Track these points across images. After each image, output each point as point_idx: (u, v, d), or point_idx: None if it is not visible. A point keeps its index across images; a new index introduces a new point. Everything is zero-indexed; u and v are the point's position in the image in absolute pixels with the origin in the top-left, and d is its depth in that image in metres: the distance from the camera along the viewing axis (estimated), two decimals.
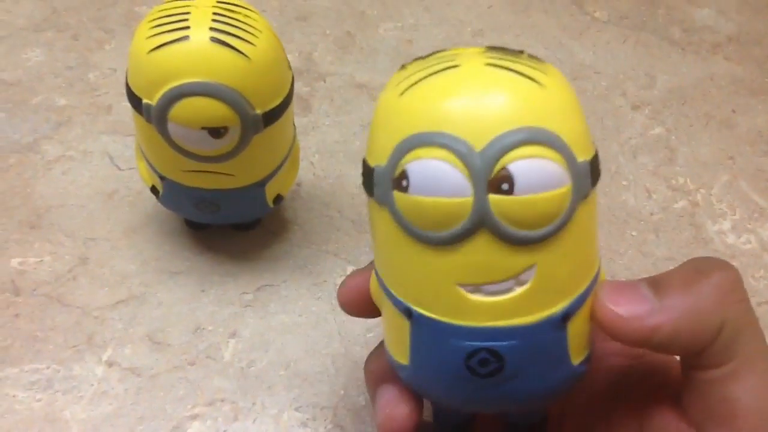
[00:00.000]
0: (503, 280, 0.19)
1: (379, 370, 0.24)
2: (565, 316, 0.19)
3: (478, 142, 0.18)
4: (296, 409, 0.31)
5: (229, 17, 0.28)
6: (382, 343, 0.25)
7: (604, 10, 0.53)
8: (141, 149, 0.32)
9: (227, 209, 0.33)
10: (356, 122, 0.43)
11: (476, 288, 0.19)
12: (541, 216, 0.18)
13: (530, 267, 0.19)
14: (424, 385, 0.22)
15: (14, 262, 0.35)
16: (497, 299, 0.19)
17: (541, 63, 0.19)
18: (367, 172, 0.20)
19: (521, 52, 0.19)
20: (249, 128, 0.29)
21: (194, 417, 0.30)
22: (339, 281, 0.35)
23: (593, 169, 0.19)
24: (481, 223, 0.18)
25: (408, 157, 0.18)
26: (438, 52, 0.20)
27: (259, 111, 0.29)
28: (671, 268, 0.37)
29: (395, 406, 0.22)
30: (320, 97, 0.44)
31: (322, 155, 0.41)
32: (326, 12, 0.50)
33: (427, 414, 0.25)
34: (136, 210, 0.37)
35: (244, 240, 0.36)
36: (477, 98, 0.18)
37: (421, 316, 0.20)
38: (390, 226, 0.19)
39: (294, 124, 0.34)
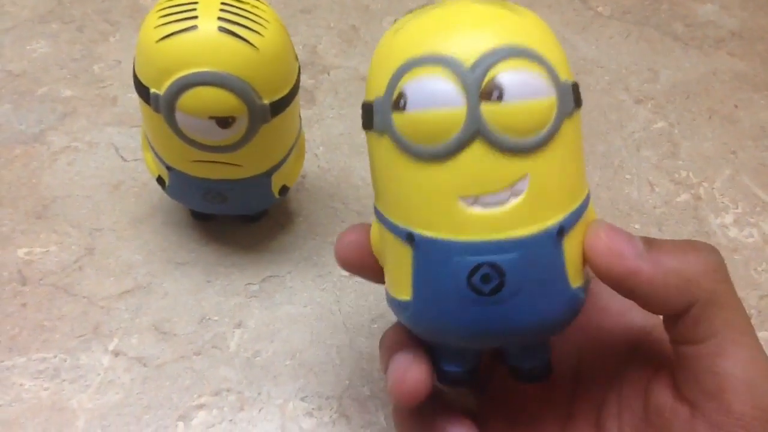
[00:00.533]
0: (499, 191, 0.20)
1: (393, 341, 0.24)
2: (560, 230, 0.20)
3: (469, 58, 0.19)
4: (302, 399, 0.31)
5: (237, 7, 0.28)
6: (396, 322, 0.25)
7: (607, 5, 0.53)
8: (148, 140, 0.32)
9: (234, 200, 0.33)
10: (360, 115, 0.43)
11: (475, 200, 0.20)
12: (530, 123, 0.19)
13: (524, 177, 0.20)
14: (427, 318, 0.22)
15: (21, 252, 0.35)
16: (495, 211, 0.20)
17: (523, 8, 0.21)
18: (367, 108, 0.21)
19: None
20: (256, 118, 0.29)
21: (200, 406, 0.31)
22: (343, 272, 0.35)
23: (575, 93, 0.21)
24: (475, 132, 0.19)
25: (404, 78, 0.20)
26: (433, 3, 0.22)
27: (266, 101, 0.29)
28: None
29: (406, 370, 0.22)
30: (325, 89, 0.44)
31: (327, 147, 0.41)
32: (330, 5, 0.50)
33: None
34: (142, 201, 0.37)
35: (249, 231, 0.37)
36: (465, 24, 0.20)
37: (422, 238, 0.21)
38: (390, 151, 0.21)
39: (300, 116, 0.34)
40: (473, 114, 0.19)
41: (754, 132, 0.44)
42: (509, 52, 0.19)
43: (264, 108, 0.29)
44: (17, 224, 0.36)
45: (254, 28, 0.28)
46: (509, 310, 0.21)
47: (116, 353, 0.32)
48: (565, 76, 0.21)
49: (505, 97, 0.19)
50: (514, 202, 0.20)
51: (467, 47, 0.19)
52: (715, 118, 0.45)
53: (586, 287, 0.22)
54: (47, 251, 0.35)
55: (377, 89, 0.21)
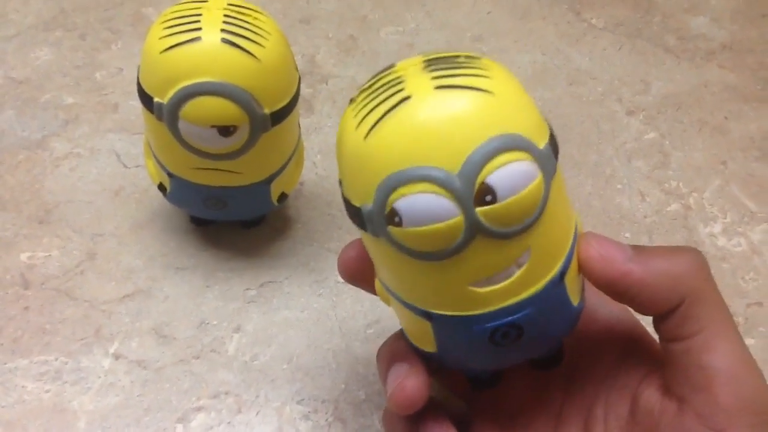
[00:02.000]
0: (505, 269, 0.21)
1: (392, 351, 0.25)
2: (561, 274, 0.22)
3: (453, 166, 0.19)
4: (298, 402, 0.32)
5: (239, 19, 0.29)
6: (394, 335, 0.26)
7: (600, 17, 0.54)
8: (150, 147, 0.33)
9: (233, 206, 0.34)
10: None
11: (484, 283, 0.21)
12: (525, 210, 0.20)
13: (525, 250, 0.21)
14: (454, 363, 0.25)
15: (23, 256, 0.35)
16: (505, 284, 0.21)
17: (481, 63, 0.21)
18: (355, 211, 0.21)
19: (458, 56, 0.21)
20: (257, 127, 0.29)
21: (199, 409, 0.31)
22: (340, 279, 0.36)
23: (553, 147, 0.21)
24: (475, 232, 0.20)
25: (393, 196, 0.20)
26: (379, 75, 0.21)
27: (267, 110, 0.29)
28: None
29: (406, 377, 0.24)
30: (323, 98, 0.45)
31: (325, 155, 0.42)
32: (329, 15, 0.50)
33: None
34: (143, 207, 0.38)
35: (248, 237, 0.37)
36: (439, 126, 0.19)
37: (440, 316, 0.22)
38: (390, 251, 0.21)
39: (299, 124, 0.34)
40: (470, 220, 0.20)
41: (743, 143, 0.45)
42: (491, 149, 0.19)
43: (265, 117, 0.29)
44: (20, 229, 0.36)
45: (256, 40, 0.29)
46: (529, 347, 0.23)
47: (117, 356, 0.32)
48: (542, 139, 0.21)
49: (498, 197, 0.19)
50: (521, 271, 0.21)
51: (449, 153, 0.19)
52: (706, 129, 0.46)
53: (583, 296, 0.24)
54: (49, 255, 0.36)
55: (362, 197, 0.21)
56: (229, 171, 0.31)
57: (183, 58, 0.28)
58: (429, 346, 0.24)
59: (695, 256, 0.23)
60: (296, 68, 0.32)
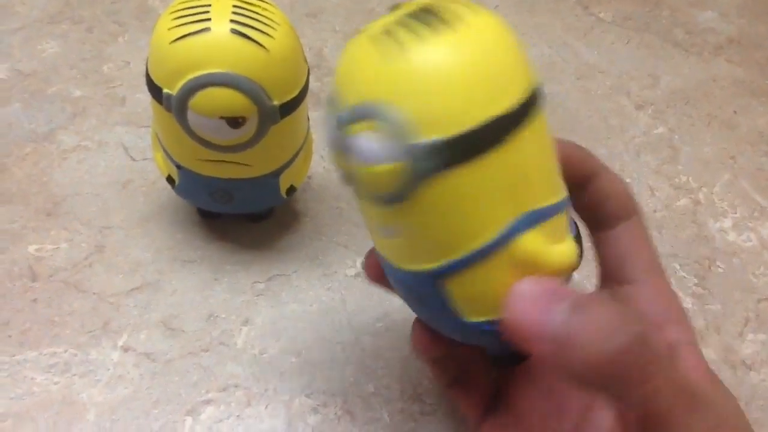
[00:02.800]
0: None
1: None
2: (436, 276, 0.21)
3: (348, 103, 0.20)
4: (307, 396, 0.32)
5: (248, 10, 0.28)
6: None
7: (608, 11, 0.54)
8: (158, 139, 0.33)
9: (241, 199, 0.33)
10: None
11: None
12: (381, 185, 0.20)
13: (394, 224, 0.21)
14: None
15: (31, 248, 0.35)
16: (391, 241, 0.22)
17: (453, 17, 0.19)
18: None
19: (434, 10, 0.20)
20: (266, 119, 0.29)
21: (208, 402, 0.31)
22: (349, 272, 0.36)
23: (452, 148, 0.19)
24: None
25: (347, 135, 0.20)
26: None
27: (276, 102, 0.29)
28: (674, 264, 0.38)
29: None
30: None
31: None
32: (336, 9, 0.50)
33: None
34: (150, 200, 0.38)
35: (255, 230, 0.37)
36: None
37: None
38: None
39: (308, 117, 0.34)
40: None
41: (752, 137, 0.45)
42: (358, 113, 0.19)
43: (274, 109, 0.29)
44: (28, 221, 0.36)
45: (265, 31, 0.28)
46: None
47: (125, 349, 0.32)
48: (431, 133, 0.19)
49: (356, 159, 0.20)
50: (396, 240, 0.21)
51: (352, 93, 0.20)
52: (714, 123, 0.46)
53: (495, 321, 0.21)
54: (57, 248, 0.36)
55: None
56: (238, 163, 0.31)
57: (192, 49, 0.28)
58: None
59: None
60: (305, 60, 0.32)
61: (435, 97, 0.19)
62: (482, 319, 0.21)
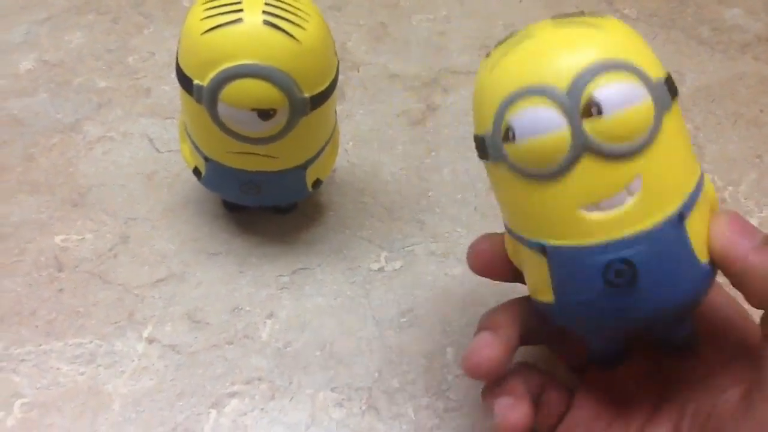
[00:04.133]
0: (615, 194, 0.21)
1: (486, 321, 0.26)
2: (681, 215, 0.22)
3: (563, 82, 0.21)
4: (332, 390, 0.31)
5: (280, 1, 0.28)
6: (503, 305, 0.27)
7: (633, 7, 0.53)
8: (186, 131, 0.33)
9: (268, 191, 0.33)
10: (390, 111, 0.43)
11: (594, 206, 0.21)
12: (632, 129, 0.21)
13: (636, 177, 0.21)
14: (572, 315, 0.24)
15: (57, 239, 0.35)
16: (615, 212, 0.21)
17: (601, 16, 0.22)
18: (479, 142, 0.23)
19: (582, 12, 0.23)
20: (297, 111, 0.29)
21: (232, 394, 0.31)
22: (373, 266, 0.36)
23: (669, 85, 0.22)
24: (582, 148, 0.21)
25: (509, 112, 0.21)
26: (514, 32, 0.23)
27: (307, 94, 0.29)
28: None
29: (483, 347, 0.25)
30: (354, 85, 0.45)
31: (357, 143, 0.41)
32: (360, 2, 0.50)
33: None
34: (175, 191, 0.38)
35: (280, 223, 0.37)
36: (553, 51, 0.21)
37: (553, 248, 0.22)
38: (508, 177, 0.22)
39: (336, 110, 0.34)
40: (577, 133, 0.21)
41: None
42: (599, 67, 0.21)
43: (304, 101, 0.29)
44: (54, 211, 0.36)
45: (297, 22, 0.28)
46: (647, 297, 0.22)
47: (150, 340, 0.32)
48: (657, 74, 0.22)
49: (604, 111, 0.20)
50: (631, 201, 0.21)
51: (560, 72, 0.21)
52: (741, 122, 0.46)
53: (713, 262, 0.23)
54: (83, 238, 0.36)
55: (485, 124, 0.23)
56: (266, 155, 0.31)
57: (224, 40, 0.28)
58: (547, 293, 0.24)
59: None
60: (335, 52, 0.32)
61: (643, 46, 0.22)
62: (706, 258, 0.22)
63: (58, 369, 0.31)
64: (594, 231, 0.21)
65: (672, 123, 0.22)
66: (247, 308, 0.34)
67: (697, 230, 0.22)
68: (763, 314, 0.23)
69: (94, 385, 0.31)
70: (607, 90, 0.20)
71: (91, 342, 0.32)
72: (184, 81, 0.29)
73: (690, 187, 0.22)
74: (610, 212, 0.21)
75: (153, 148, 0.40)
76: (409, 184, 0.39)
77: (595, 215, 0.21)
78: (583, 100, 0.20)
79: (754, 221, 0.40)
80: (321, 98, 0.30)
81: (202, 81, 0.28)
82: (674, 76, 0.50)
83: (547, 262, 0.23)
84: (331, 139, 0.34)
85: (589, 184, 0.21)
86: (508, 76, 0.22)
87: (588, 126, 0.20)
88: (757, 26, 0.53)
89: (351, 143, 0.41)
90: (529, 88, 0.21)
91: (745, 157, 0.43)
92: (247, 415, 0.31)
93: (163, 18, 0.47)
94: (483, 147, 0.23)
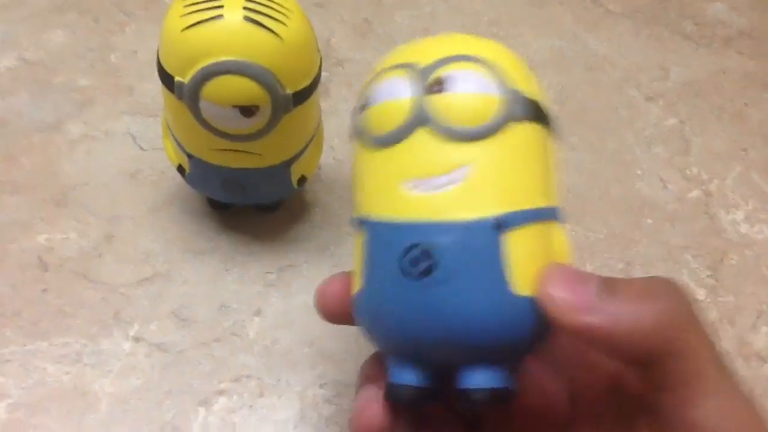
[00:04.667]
0: (439, 175, 0.21)
1: (368, 371, 0.24)
2: (498, 224, 0.20)
3: (425, 62, 0.22)
4: (320, 386, 0.31)
5: None
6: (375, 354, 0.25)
7: (617, 2, 0.53)
8: (169, 128, 0.33)
9: (252, 189, 0.33)
10: None
11: (416, 184, 0.21)
12: (471, 113, 0.21)
13: (465, 164, 0.21)
14: (369, 308, 0.22)
15: (41, 238, 0.35)
16: (433, 194, 0.21)
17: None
18: (352, 126, 0.24)
19: None
20: (279, 108, 0.29)
21: (221, 392, 0.31)
22: None
23: (535, 108, 0.22)
24: (420, 119, 0.21)
25: (372, 83, 0.23)
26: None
27: (289, 91, 0.29)
28: (686, 255, 0.38)
29: (366, 405, 0.22)
30: (338, 82, 0.45)
31: (342, 139, 0.41)
32: None
33: None
34: (160, 189, 0.38)
35: (266, 221, 0.37)
36: (438, 42, 0.23)
37: (369, 222, 0.22)
38: (357, 149, 0.23)
39: (320, 106, 0.34)
40: (419, 103, 0.21)
41: (763, 130, 0.45)
42: (462, 58, 0.21)
43: (287, 98, 0.29)
44: (36, 211, 0.36)
45: (279, 18, 0.28)
46: (442, 298, 0.20)
47: (137, 339, 0.32)
48: (525, 88, 0.22)
49: (448, 88, 0.21)
50: (452, 188, 0.20)
51: (428, 56, 0.22)
52: (725, 116, 0.46)
53: (536, 304, 0.21)
54: (67, 238, 0.35)
55: (358, 101, 0.24)
56: (250, 152, 0.31)
57: (204, 37, 0.27)
58: (359, 281, 0.22)
59: (671, 300, 0.20)
60: (318, 49, 0.31)
61: (522, 69, 0.23)
62: (527, 292, 0.20)
63: (44, 369, 0.31)
64: (407, 209, 0.21)
65: (522, 137, 0.21)
66: (234, 306, 0.34)
67: (519, 256, 0.20)
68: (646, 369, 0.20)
69: (81, 385, 0.31)
70: (455, 72, 0.21)
71: (77, 341, 0.32)
72: (166, 78, 0.29)
73: (522, 205, 0.21)
74: (428, 193, 0.20)
75: (136, 146, 0.39)
76: None
77: (414, 193, 0.21)
78: (434, 76, 0.21)
79: (740, 214, 0.40)
80: (304, 95, 0.30)
81: (183, 78, 0.28)
82: (659, 72, 0.50)
83: (363, 239, 0.22)
84: (315, 136, 0.34)
85: (416, 157, 0.21)
86: (388, 57, 0.23)
87: (431, 99, 0.21)
88: (740, 21, 0.53)
89: (336, 140, 0.41)
90: (396, 65, 0.22)
91: (730, 151, 0.44)
92: (235, 412, 0.30)
93: (145, 16, 0.47)
94: (354, 127, 0.24)
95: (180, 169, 0.33)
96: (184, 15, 0.28)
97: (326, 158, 0.40)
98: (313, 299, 0.24)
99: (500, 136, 0.21)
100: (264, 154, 0.31)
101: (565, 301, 0.19)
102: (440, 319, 0.20)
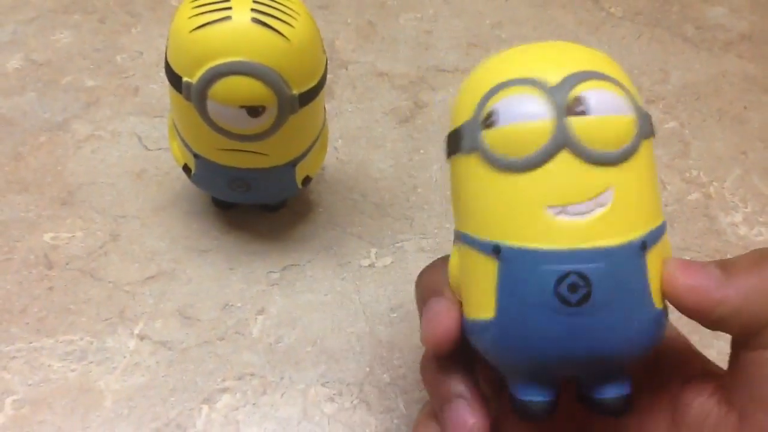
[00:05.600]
0: (585, 201, 0.20)
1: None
2: (644, 244, 0.21)
3: (554, 78, 0.21)
4: (323, 385, 0.32)
5: None
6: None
7: (619, 6, 0.54)
8: (176, 128, 0.33)
9: (257, 188, 0.33)
10: (378, 109, 0.44)
11: (561, 209, 0.20)
12: (613, 136, 0.20)
13: (608, 188, 0.20)
14: (512, 334, 0.21)
15: (47, 237, 0.35)
16: (581, 220, 0.20)
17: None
18: (453, 135, 0.22)
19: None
20: (285, 108, 0.29)
21: (224, 390, 0.31)
22: (363, 262, 0.36)
23: (650, 120, 0.22)
24: (562, 143, 0.20)
25: (494, 98, 0.21)
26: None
27: (295, 91, 0.29)
28: (685, 257, 0.38)
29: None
30: (343, 84, 0.45)
31: (346, 140, 0.42)
32: (348, 1, 0.50)
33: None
34: (165, 189, 0.38)
35: (270, 220, 0.37)
36: (548, 54, 0.21)
37: (509, 248, 0.21)
38: (478, 168, 0.21)
39: (325, 108, 0.34)
40: (560, 125, 0.20)
41: (763, 133, 0.45)
42: (591, 74, 0.21)
43: (293, 98, 0.29)
44: (43, 210, 0.36)
45: (286, 20, 0.28)
46: (596, 323, 0.20)
47: (141, 337, 0.32)
48: (640, 102, 0.22)
49: (589, 110, 0.20)
50: (600, 212, 0.20)
51: (553, 70, 0.21)
52: (725, 118, 0.46)
53: (666, 312, 0.22)
54: (73, 236, 0.36)
55: (464, 114, 0.22)
56: (256, 152, 0.31)
57: (213, 38, 0.28)
58: (488, 307, 0.21)
59: None
60: (324, 50, 0.32)
61: (629, 80, 0.22)
62: (660, 304, 0.21)
63: (49, 366, 0.31)
64: (556, 236, 0.20)
65: (648, 153, 0.22)
66: (238, 304, 0.34)
67: (654, 270, 0.21)
68: (734, 340, 0.22)
69: (86, 382, 0.31)
70: (595, 93, 0.20)
71: (82, 339, 0.32)
72: (173, 78, 0.29)
73: (655, 223, 0.21)
74: (576, 219, 0.20)
75: (142, 146, 0.40)
76: (398, 180, 0.40)
77: (561, 219, 0.20)
78: (571, 95, 0.20)
79: (739, 216, 0.40)
80: (310, 95, 0.30)
81: (191, 78, 0.28)
82: (660, 74, 0.50)
83: (497, 267, 0.21)
84: (320, 137, 0.34)
85: (562, 182, 0.20)
86: (496, 69, 0.22)
87: (571, 121, 0.20)
88: (741, 24, 0.53)
89: (340, 141, 0.42)
90: (518, 79, 0.21)
91: (730, 154, 0.44)
92: (239, 410, 0.31)
93: (151, 17, 0.47)
94: (457, 139, 0.22)
95: (186, 168, 0.34)
96: (193, 16, 0.28)
97: (330, 159, 0.40)
98: (421, 335, 0.23)
99: (636, 155, 0.21)
100: (270, 154, 0.32)
101: (700, 286, 0.21)
102: (596, 342, 0.21)
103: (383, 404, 0.31)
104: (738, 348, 0.21)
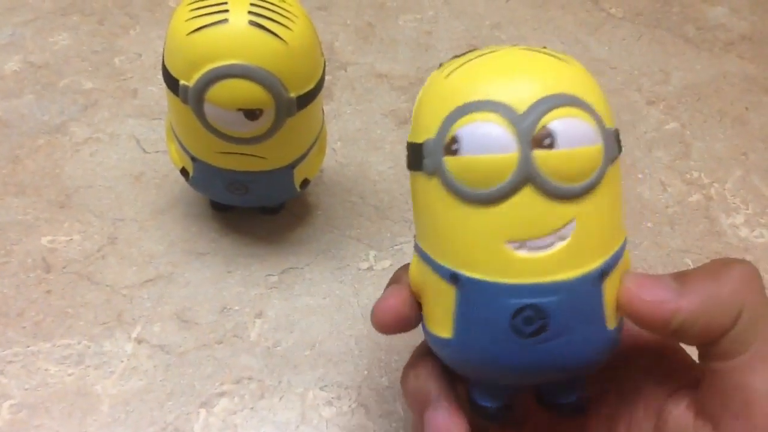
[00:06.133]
0: (547, 235, 0.20)
1: (421, 392, 0.24)
2: (602, 274, 0.21)
3: (521, 105, 0.20)
4: (321, 388, 0.32)
5: (266, 1, 0.28)
6: (413, 358, 0.25)
7: (619, 6, 0.53)
8: (173, 131, 0.33)
9: (256, 191, 0.33)
10: (377, 111, 0.43)
11: (521, 244, 0.20)
12: (580, 169, 0.20)
13: (570, 221, 0.20)
14: (468, 357, 0.22)
15: (44, 240, 0.35)
16: (541, 255, 0.20)
17: (564, 54, 0.22)
18: (415, 149, 0.22)
19: (545, 47, 0.22)
20: (283, 111, 0.29)
21: (222, 394, 0.31)
22: (361, 265, 0.36)
23: (617, 138, 0.21)
24: (526, 177, 0.20)
25: (458, 123, 0.20)
26: (474, 49, 0.22)
27: (293, 94, 0.29)
28: (686, 259, 0.38)
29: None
30: (342, 86, 0.45)
31: (344, 142, 0.42)
32: (347, 2, 0.50)
33: None
34: (163, 192, 0.38)
35: (268, 223, 0.37)
36: (517, 71, 0.20)
37: (468, 279, 0.21)
38: (439, 193, 0.21)
39: (323, 110, 0.34)
40: (525, 160, 0.19)
41: (764, 134, 0.45)
42: (560, 100, 0.20)
43: (291, 101, 0.29)
44: (41, 213, 0.36)
45: (283, 23, 0.28)
46: (551, 351, 0.21)
47: (139, 341, 0.32)
48: (609, 123, 0.21)
49: (557, 144, 0.19)
50: (560, 246, 0.20)
51: (520, 94, 0.20)
52: (726, 119, 0.46)
53: (620, 328, 0.22)
54: (71, 240, 0.35)
55: (426, 131, 0.21)
56: (254, 155, 0.31)
57: (209, 41, 0.28)
58: (446, 328, 0.22)
59: (742, 270, 0.21)
60: (321, 53, 0.32)
61: (599, 94, 0.21)
62: (614, 324, 0.22)
63: (46, 370, 0.31)
64: (514, 270, 0.20)
65: (613, 176, 0.21)
66: (236, 308, 0.34)
67: (610, 294, 0.21)
68: (699, 350, 0.22)
69: (83, 386, 0.31)
70: (564, 124, 0.19)
71: (80, 343, 0.32)
72: (170, 82, 0.29)
73: (614, 248, 0.21)
74: (535, 254, 0.20)
75: (140, 149, 0.40)
76: (397, 183, 0.40)
77: (520, 254, 0.20)
78: (538, 127, 0.19)
79: (740, 218, 0.40)
80: (307, 98, 0.30)
81: (188, 81, 0.28)
82: (660, 75, 0.50)
83: (456, 292, 0.21)
84: (318, 139, 0.34)
85: (523, 217, 0.20)
86: (463, 85, 0.21)
87: (537, 155, 0.19)
88: (742, 25, 0.53)
89: (339, 143, 0.41)
90: (484, 102, 0.20)
91: (731, 155, 0.44)
92: (236, 414, 0.31)
93: (150, 19, 0.47)
94: (418, 156, 0.21)
95: (183, 171, 0.34)
96: (189, 19, 0.28)
97: (329, 161, 0.40)
98: (372, 316, 0.24)
99: (600, 184, 0.20)
100: (267, 157, 0.32)
101: (655, 300, 0.21)
102: (551, 365, 0.21)
103: (382, 408, 0.31)
104: (703, 359, 0.21)
